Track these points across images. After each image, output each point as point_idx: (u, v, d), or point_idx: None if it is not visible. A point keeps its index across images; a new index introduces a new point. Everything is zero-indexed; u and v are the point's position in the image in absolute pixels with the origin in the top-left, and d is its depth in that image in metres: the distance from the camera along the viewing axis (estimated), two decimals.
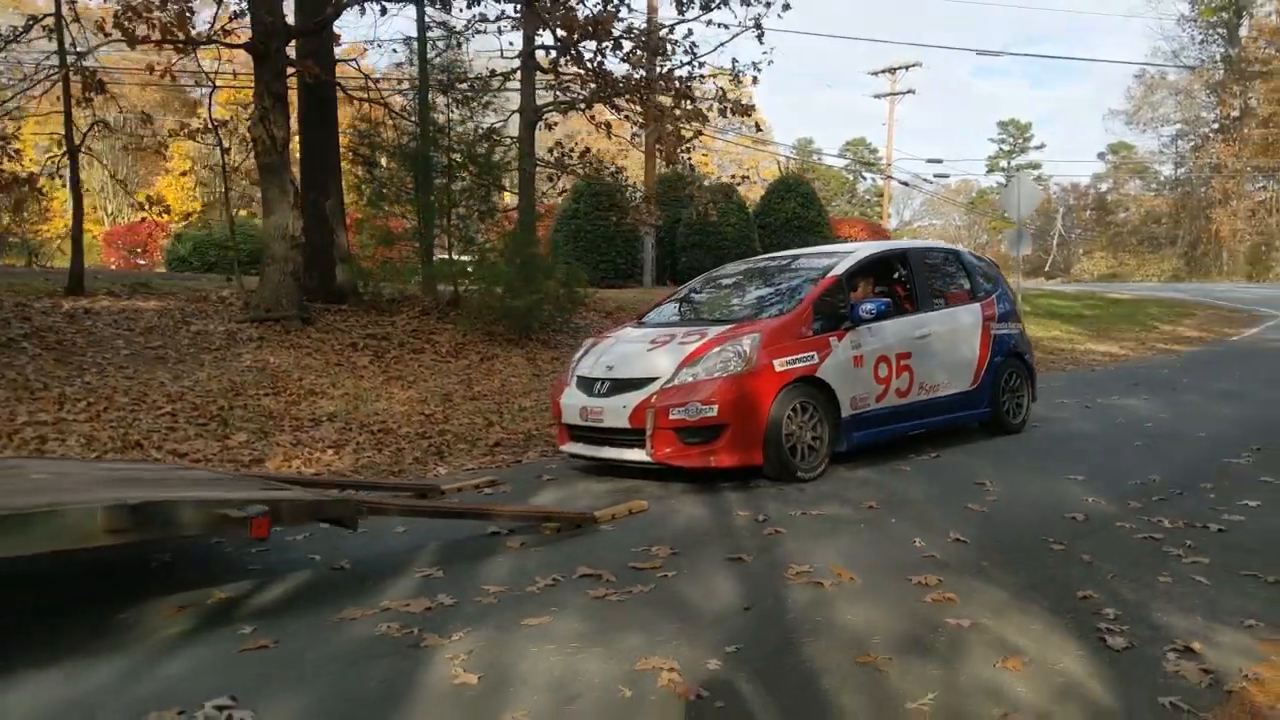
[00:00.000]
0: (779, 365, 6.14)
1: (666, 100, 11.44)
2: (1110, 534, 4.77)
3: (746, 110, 11.55)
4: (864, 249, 7.64)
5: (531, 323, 12.08)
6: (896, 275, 7.88)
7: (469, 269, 12.41)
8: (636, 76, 12.23)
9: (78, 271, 11.78)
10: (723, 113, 11.68)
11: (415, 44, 13.96)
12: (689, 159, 13.09)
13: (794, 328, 6.40)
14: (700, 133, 11.82)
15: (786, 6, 13.72)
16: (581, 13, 12.12)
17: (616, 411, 6.20)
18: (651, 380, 6.18)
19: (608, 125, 14.10)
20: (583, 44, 11.17)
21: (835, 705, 2.90)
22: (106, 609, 3.79)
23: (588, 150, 15.49)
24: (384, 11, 12.01)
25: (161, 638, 3.46)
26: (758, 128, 12.65)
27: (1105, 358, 15.81)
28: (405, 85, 14.31)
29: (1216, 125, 58.60)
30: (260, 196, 11.92)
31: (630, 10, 12.83)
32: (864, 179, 71.60)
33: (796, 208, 26.53)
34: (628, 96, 11.92)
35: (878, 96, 47.96)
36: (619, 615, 3.66)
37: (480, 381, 10.32)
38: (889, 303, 7.01)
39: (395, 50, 14.47)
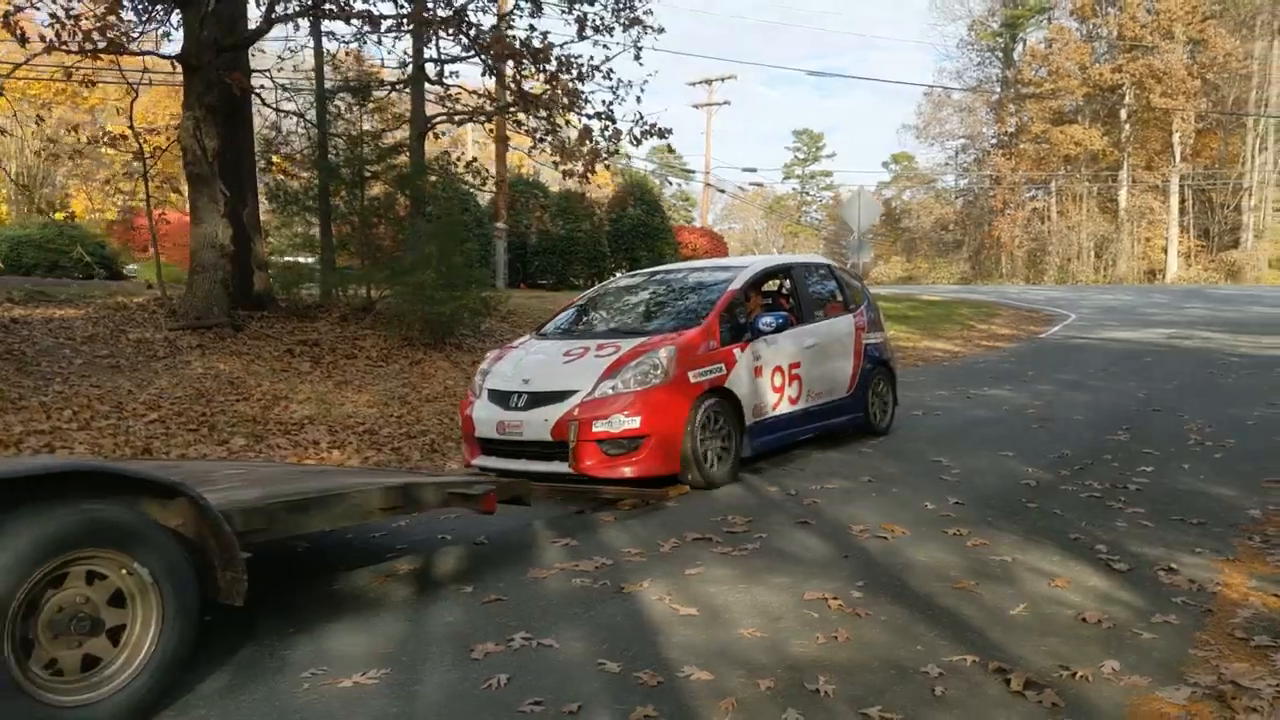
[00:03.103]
0: (693, 377, 6.38)
1: (595, 124, 12.33)
2: (1061, 494, 6.06)
3: (663, 133, 12.59)
4: (755, 264, 8.01)
5: (454, 328, 12.65)
6: (781, 289, 8.42)
7: (387, 275, 12.78)
8: (543, 93, 12.99)
9: None
10: (646, 134, 12.65)
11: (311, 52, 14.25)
12: (587, 180, 13.97)
13: (703, 340, 6.62)
14: (617, 151, 12.76)
15: (661, 30, 14.91)
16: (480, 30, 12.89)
17: (537, 425, 6.21)
18: (572, 393, 6.23)
19: (506, 138, 14.77)
20: (516, 67, 11.87)
21: (961, 612, 3.95)
22: (314, 583, 4.39)
23: (475, 159, 16.17)
24: (313, 27, 12.27)
25: (400, 598, 4.14)
26: (670, 149, 13.61)
27: (944, 354, 17.75)
28: (305, 85, 14.49)
29: (995, 140, 64.37)
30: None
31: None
32: (670, 184, 74.50)
33: (641, 215, 27.75)
34: (542, 112, 12.70)
35: (696, 106, 50.34)
36: (751, 564, 4.59)
37: (423, 385, 10.86)
38: (788, 316, 7.43)
39: (280, 58, 14.48)
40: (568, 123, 12.83)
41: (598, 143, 12.47)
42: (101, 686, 2.82)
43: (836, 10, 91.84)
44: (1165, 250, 54.06)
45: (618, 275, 9.35)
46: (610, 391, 6.16)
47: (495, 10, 14.54)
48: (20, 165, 28.80)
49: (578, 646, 3.55)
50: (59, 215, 12.63)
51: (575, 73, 12.02)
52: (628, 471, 6.07)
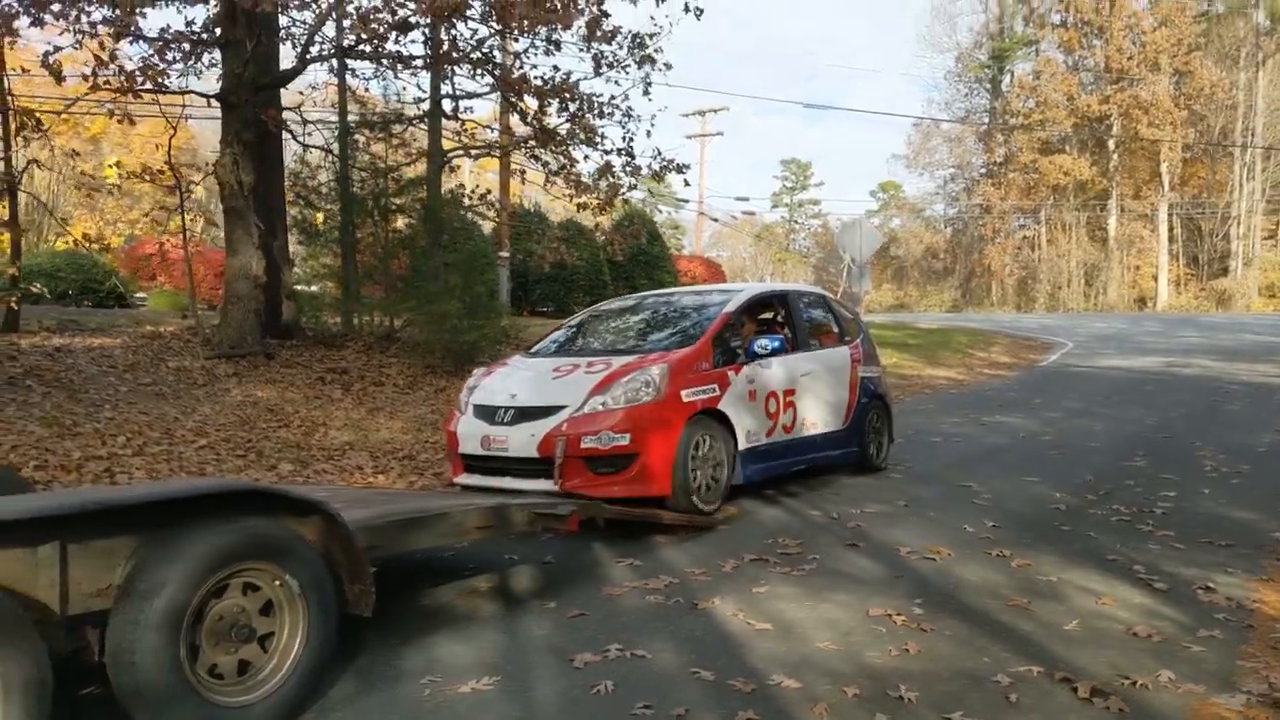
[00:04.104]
0: (686, 396, 6.21)
1: (616, 159, 12.71)
2: (1091, 518, 6.35)
3: (681, 168, 12.97)
4: (749, 289, 7.92)
5: (474, 356, 12.92)
6: (776, 316, 8.24)
7: (412, 305, 13.07)
8: (563, 130, 13.36)
9: (15, 309, 11.71)
10: (664, 169, 13.01)
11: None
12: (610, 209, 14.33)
13: (697, 360, 6.49)
14: (635, 186, 13.14)
15: (668, 66, 15.33)
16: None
17: (524, 441, 6.04)
18: (560, 408, 6.08)
19: (522, 172, 15.15)
20: (543, 104, 12.26)
21: (1019, 628, 4.21)
22: (403, 599, 4.63)
23: (489, 192, 16.52)
24: (343, 67, 12.64)
25: (489, 613, 4.41)
26: (686, 183, 13.98)
27: (948, 382, 18.06)
28: (328, 120, 14.87)
29: (984, 170, 65.21)
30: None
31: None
32: (660, 211, 75.11)
33: (642, 243, 28.12)
34: (560, 146, 13.08)
35: (689, 137, 51.17)
36: (812, 583, 4.85)
37: (449, 411, 11.11)
38: (784, 339, 7.33)
39: (301, 94, 14.86)
40: (586, 158, 13.23)
41: (619, 178, 12.85)
42: (256, 689, 3.07)
43: (825, 36, 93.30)
44: (1155, 278, 54.68)
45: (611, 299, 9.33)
46: (600, 407, 5.98)
47: (508, 49, 14.92)
48: (30, 196, 29.01)
49: (668, 657, 3.80)
50: (95, 246, 12.78)
51: (596, 109, 12.39)
52: (616, 491, 5.84)
